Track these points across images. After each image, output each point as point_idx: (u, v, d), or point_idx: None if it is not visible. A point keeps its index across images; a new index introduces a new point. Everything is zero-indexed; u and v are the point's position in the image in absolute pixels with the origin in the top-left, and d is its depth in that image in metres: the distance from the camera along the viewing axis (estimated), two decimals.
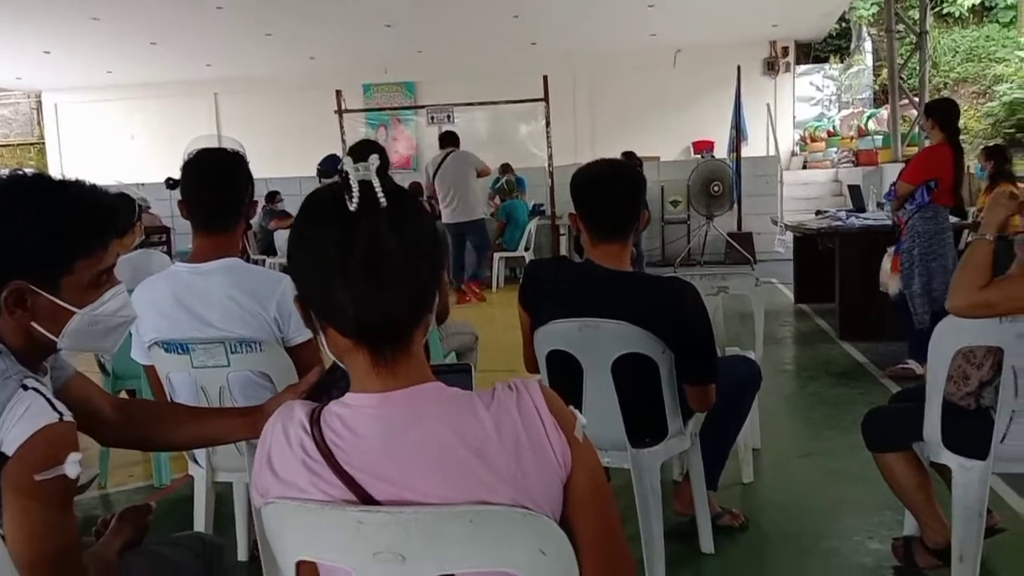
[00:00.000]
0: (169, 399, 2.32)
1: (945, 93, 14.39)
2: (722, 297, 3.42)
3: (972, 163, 7.71)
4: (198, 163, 2.25)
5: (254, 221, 8.15)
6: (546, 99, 9.03)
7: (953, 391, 2.32)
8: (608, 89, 13.71)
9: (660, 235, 11.07)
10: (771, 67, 13.61)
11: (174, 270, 2.33)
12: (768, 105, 12.97)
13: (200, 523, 2.52)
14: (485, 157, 8.71)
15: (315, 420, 1.04)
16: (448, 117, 9.86)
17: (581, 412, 1.09)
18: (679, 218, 11.04)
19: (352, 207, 0.98)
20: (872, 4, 15.06)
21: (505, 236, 9.54)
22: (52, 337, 1.38)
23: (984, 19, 16.26)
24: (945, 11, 16.06)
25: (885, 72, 12.78)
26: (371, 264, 0.98)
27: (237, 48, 11.88)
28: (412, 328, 1.03)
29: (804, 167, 13.77)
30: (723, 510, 2.89)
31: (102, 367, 3.60)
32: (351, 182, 0.99)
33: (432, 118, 10.10)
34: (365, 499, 1.00)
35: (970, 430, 2.25)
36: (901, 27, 11.16)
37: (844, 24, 15.30)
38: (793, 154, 14.05)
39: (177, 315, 2.22)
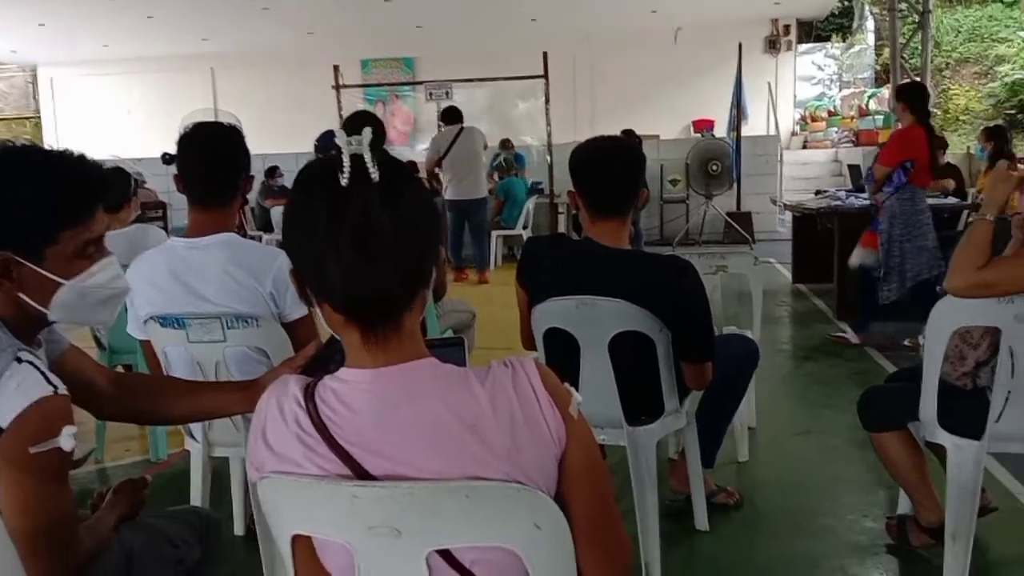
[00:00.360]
0: (165, 374, 2.32)
1: (947, 73, 14.35)
2: (720, 276, 3.42)
3: (973, 144, 7.70)
4: (194, 137, 2.22)
5: (251, 196, 8.10)
6: (545, 76, 8.96)
7: (949, 371, 2.33)
8: (608, 67, 13.62)
9: (659, 214, 11.01)
10: (772, 45, 13.50)
11: (170, 244, 2.31)
12: (769, 84, 12.91)
13: (196, 497, 2.53)
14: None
15: (310, 395, 1.04)
16: (447, 93, 9.78)
17: (578, 390, 1.09)
18: (678, 197, 10.98)
19: (343, 181, 0.97)
20: None
21: (503, 214, 9.48)
22: (41, 309, 1.37)
23: None
24: None
25: (887, 52, 12.70)
26: (361, 239, 0.96)
27: (234, 22, 11.76)
28: (404, 304, 1.02)
29: (804, 147, 13.73)
30: (718, 488, 2.90)
31: (98, 341, 3.60)
32: (343, 156, 0.98)
33: (431, 94, 10.01)
34: (360, 473, 1.00)
35: (966, 410, 2.26)
36: (904, 6, 11.07)
37: (846, 2, 15.18)
38: (793, 134, 14.00)
39: (173, 289, 2.21)
